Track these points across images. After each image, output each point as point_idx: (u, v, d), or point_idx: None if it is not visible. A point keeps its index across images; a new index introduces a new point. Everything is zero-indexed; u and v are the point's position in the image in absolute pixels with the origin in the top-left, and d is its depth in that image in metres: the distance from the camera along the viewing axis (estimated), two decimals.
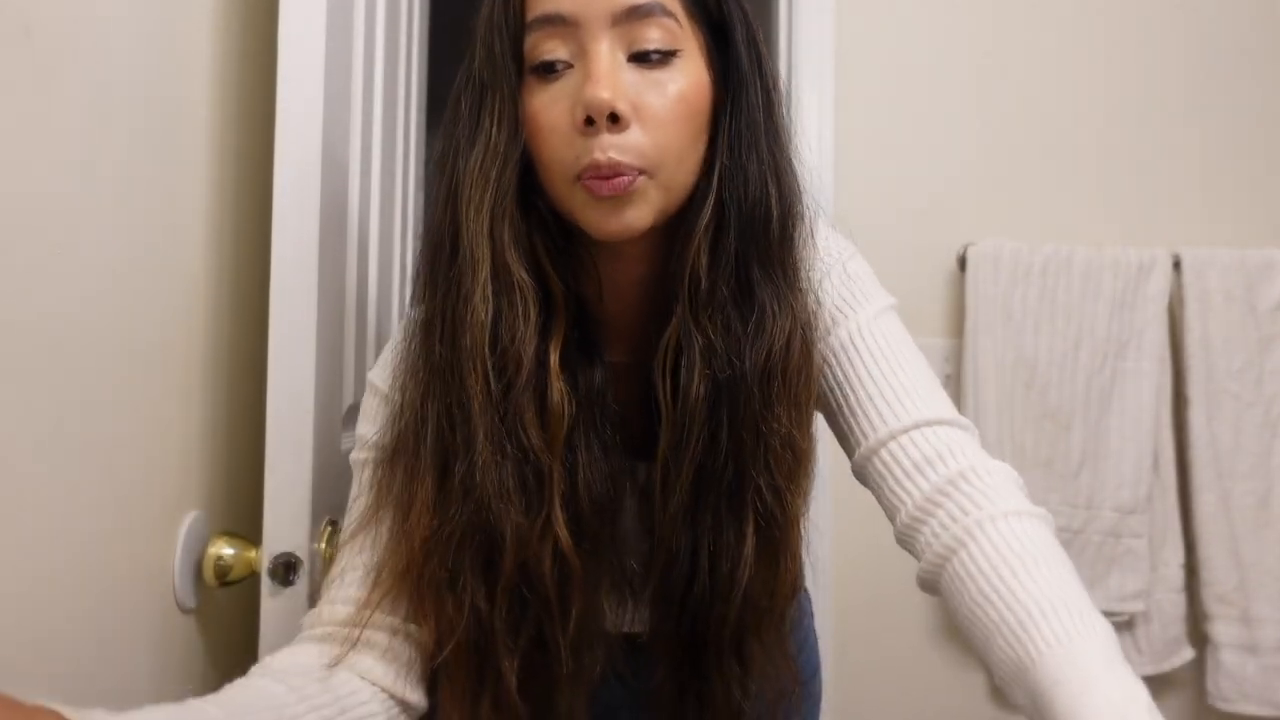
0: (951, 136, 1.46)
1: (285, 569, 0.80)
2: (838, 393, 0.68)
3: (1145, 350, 1.40)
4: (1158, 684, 1.44)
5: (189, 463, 0.82)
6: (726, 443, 0.64)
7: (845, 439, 0.69)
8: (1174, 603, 1.40)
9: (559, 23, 0.61)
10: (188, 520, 0.81)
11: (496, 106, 0.63)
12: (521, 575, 0.62)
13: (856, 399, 0.67)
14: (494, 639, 0.62)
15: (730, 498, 0.65)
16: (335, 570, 0.66)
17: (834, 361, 0.69)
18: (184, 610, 0.81)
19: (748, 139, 0.65)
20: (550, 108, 0.62)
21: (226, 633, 0.90)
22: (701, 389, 0.63)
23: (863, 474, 0.67)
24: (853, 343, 0.69)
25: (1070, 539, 1.38)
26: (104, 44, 0.66)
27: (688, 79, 0.63)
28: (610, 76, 0.59)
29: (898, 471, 0.64)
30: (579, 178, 0.61)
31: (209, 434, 0.85)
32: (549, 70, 0.62)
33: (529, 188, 0.64)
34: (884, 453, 0.65)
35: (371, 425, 0.69)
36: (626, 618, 0.72)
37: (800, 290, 0.67)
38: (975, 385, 1.39)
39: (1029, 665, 0.52)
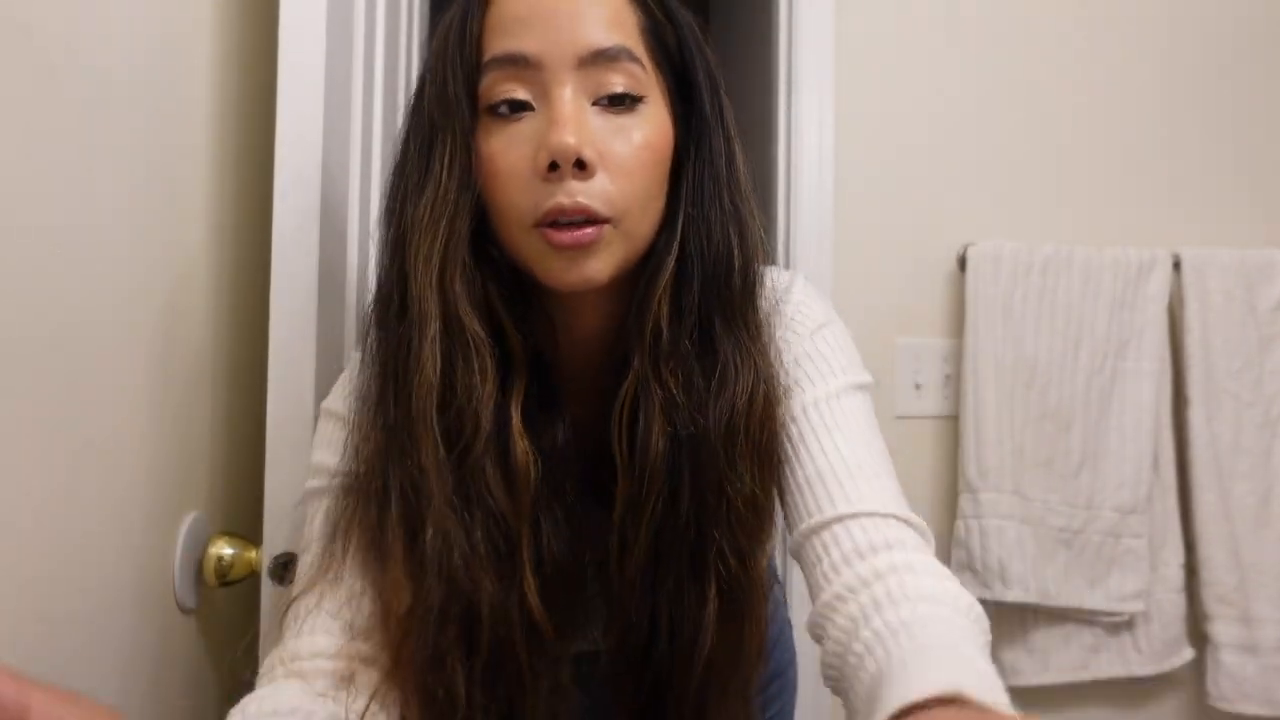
0: (951, 136, 1.46)
1: (285, 569, 0.80)
2: (784, 465, 0.64)
3: (1145, 350, 1.40)
4: (1158, 684, 1.44)
5: (189, 463, 0.82)
6: (688, 502, 0.61)
7: (786, 512, 0.64)
8: (1174, 603, 1.40)
9: (521, 64, 0.58)
10: (188, 520, 0.81)
11: (448, 149, 0.60)
12: (495, 648, 0.58)
13: (804, 474, 0.62)
14: (471, 715, 0.58)
15: (691, 560, 0.61)
16: (302, 608, 0.60)
17: (787, 431, 0.64)
18: (184, 610, 0.81)
19: (710, 189, 0.63)
20: (508, 151, 0.59)
21: (227, 632, 0.90)
22: (661, 444, 0.61)
23: (798, 553, 0.62)
24: (805, 415, 0.64)
25: (1070, 539, 1.38)
26: (104, 44, 0.66)
27: (652, 126, 0.61)
28: (576, 121, 0.57)
29: (834, 555, 0.58)
30: (538, 225, 0.58)
31: (209, 434, 0.85)
32: (509, 111, 0.59)
33: (481, 235, 0.61)
34: (825, 534, 0.59)
35: (332, 453, 0.64)
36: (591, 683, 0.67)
37: (762, 344, 0.64)
38: (975, 385, 1.39)
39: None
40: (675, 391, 0.61)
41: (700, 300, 0.62)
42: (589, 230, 0.58)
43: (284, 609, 0.61)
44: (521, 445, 0.60)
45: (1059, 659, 1.39)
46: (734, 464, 0.61)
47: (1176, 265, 1.43)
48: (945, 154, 1.46)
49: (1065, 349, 1.39)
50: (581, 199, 0.57)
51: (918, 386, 1.42)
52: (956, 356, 1.44)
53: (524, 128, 0.59)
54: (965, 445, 1.39)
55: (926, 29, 1.47)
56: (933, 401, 1.43)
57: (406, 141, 0.63)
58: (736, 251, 0.63)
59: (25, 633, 0.59)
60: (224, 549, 0.83)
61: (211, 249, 0.85)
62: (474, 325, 0.59)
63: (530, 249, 0.60)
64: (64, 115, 0.61)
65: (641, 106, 0.60)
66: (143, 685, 0.74)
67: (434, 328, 0.59)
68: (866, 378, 0.68)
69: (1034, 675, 1.39)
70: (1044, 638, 1.39)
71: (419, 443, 0.58)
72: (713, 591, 0.62)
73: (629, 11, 0.62)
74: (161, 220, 0.76)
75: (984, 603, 1.35)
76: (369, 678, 0.58)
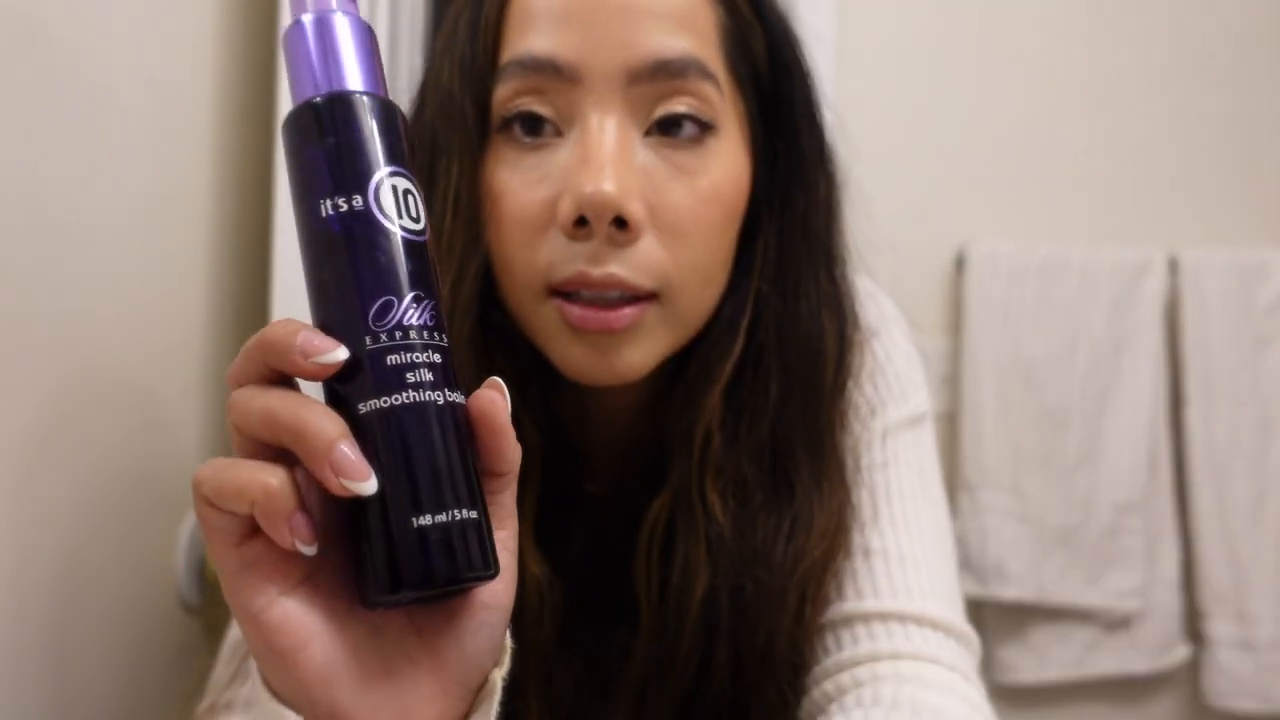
0: (949, 136, 1.47)
1: None
2: None
3: (1142, 350, 1.40)
4: (1154, 682, 1.44)
5: (190, 462, 0.82)
6: (724, 673, 0.46)
7: None
8: (1170, 600, 1.41)
9: (549, 72, 0.42)
10: (190, 519, 0.81)
11: (453, 178, 0.45)
12: None
13: (847, 543, 0.48)
14: None
15: None
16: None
17: None
18: (187, 609, 0.81)
19: (802, 258, 0.48)
20: (521, 190, 0.43)
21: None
22: (699, 591, 0.45)
23: (818, 634, 0.48)
24: (872, 455, 0.49)
25: (1067, 537, 1.39)
26: (106, 45, 0.66)
27: (725, 168, 0.45)
28: (619, 162, 0.41)
29: (845, 655, 0.45)
30: (553, 292, 0.44)
31: (210, 433, 0.86)
32: (524, 133, 0.44)
33: (485, 295, 0.46)
34: (844, 632, 0.46)
35: None
36: None
37: (844, 464, 0.48)
38: (973, 384, 1.40)
39: None
40: (725, 523, 0.45)
41: (774, 409, 0.46)
42: (625, 311, 0.42)
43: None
44: (535, 574, 0.46)
45: (1056, 656, 1.39)
46: (792, 629, 0.46)
47: (1173, 266, 1.44)
48: (943, 154, 1.47)
49: (1063, 348, 1.40)
50: (616, 269, 0.42)
51: None
52: (954, 356, 1.44)
53: (545, 158, 0.44)
54: (963, 444, 1.40)
55: (926, 30, 1.47)
56: (931, 400, 1.43)
57: None
58: (830, 344, 0.48)
59: (27, 632, 0.59)
60: None
61: (213, 249, 0.85)
62: None
63: (540, 322, 0.45)
64: (66, 115, 0.62)
65: (710, 140, 0.44)
66: (146, 683, 0.75)
67: None
68: (928, 401, 0.54)
69: (1031, 672, 1.39)
70: (1041, 635, 1.40)
71: None
72: None
73: (705, 7, 0.45)
74: (163, 220, 0.76)
75: (981, 601, 1.36)
76: None
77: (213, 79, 0.84)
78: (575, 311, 0.43)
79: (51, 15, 0.59)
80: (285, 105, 0.81)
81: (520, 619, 0.44)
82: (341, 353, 0.29)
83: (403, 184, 0.31)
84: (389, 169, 0.31)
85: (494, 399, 0.31)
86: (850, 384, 0.50)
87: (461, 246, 0.44)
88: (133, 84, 0.70)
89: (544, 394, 0.48)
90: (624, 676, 0.50)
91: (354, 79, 0.32)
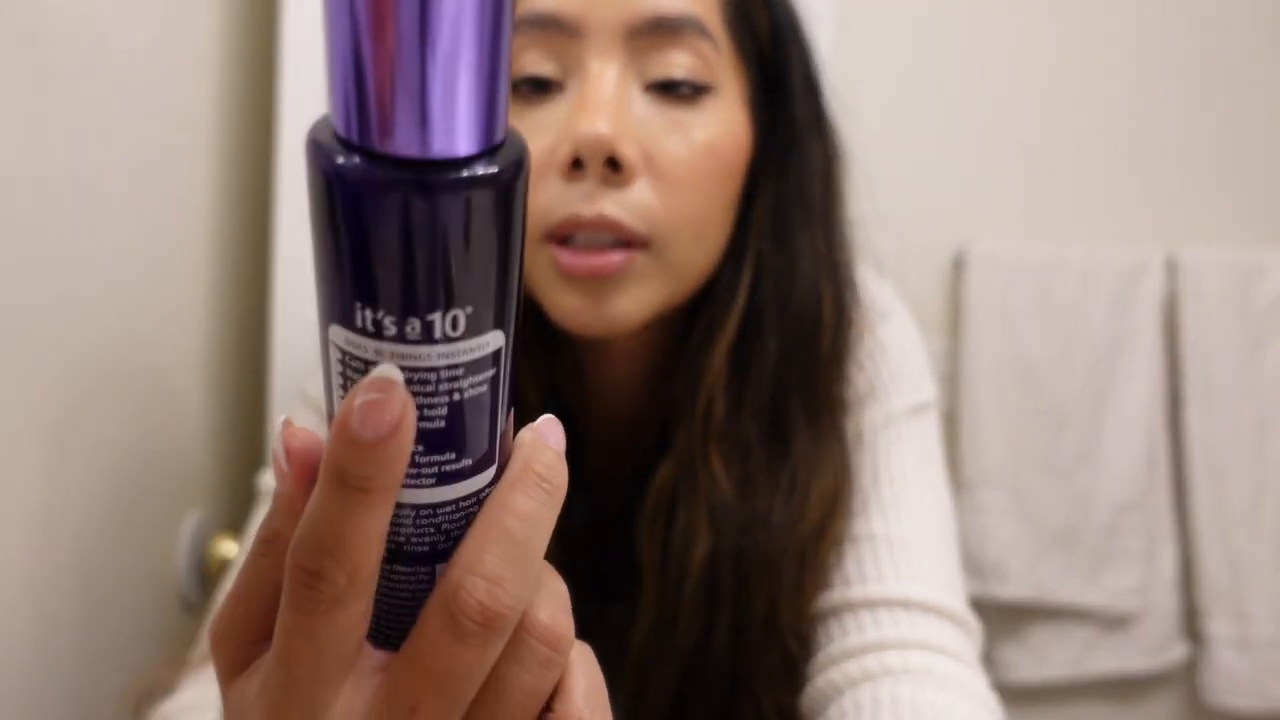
0: (949, 137, 1.47)
1: None
2: None
3: (1140, 350, 1.41)
4: (1152, 680, 1.45)
5: (190, 462, 0.82)
6: (724, 640, 0.46)
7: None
8: (1169, 599, 1.41)
9: (551, 27, 0.44)
10: (190, 519, 0.81)
11: None
12: None
13: (849, 529, 0.48)
14: None
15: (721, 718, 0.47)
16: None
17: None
18: (188, 606, 0.81)
19: (798, 221, 0.49)
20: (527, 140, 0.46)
21: None
22: (700, 556, 0.46)
23: (821, 619, 0.48)
24: (875, 440, 0.49)
25: (1066, 536, 1.39)
26: (106, 45, 0.66)
27: (722, 125, 0.46)
28: (614, 106, 0.43)
29: (850, 643, 0.46)
30: (547, 238, 0.45)
31: (211, 433, 0.86)
32: (530, 91, 0.46)
33: None
34: (848, 618, 0.46)
35: None
36: None
37: (842, 431, 0.49)
38: (972, 384, 1.40)
39: None
40: (727, 487, 0.46)
41: (775, 370, 0.47)
42: (615, 257, 0.43)
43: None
44: None
45: (1055, 655, 1.40)
46: (793, 596, 0.46)
47: (1172, 266, 1.44)
48: (942, 154, 1.47)
49: (1062, 348, 1.40)
50: (608, 208, 0.43)
51: None
52: (953, 356, 1.45)
53: (549, 113, 0.45)
54: (962, 444, 1.40)
55: (926, 30, 1.47)
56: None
57: None
58: (829, 309, 0.48)
59: (29, 631, 0.59)
60: (228, 546, 0.84)
61: (213, 248, 0.85)
62: None
63: (537, 273, 0.45)
64: (67, 115, 0.62)
65: (709, 99, 0.46)
66: None
67: None
68: (934, 390, 0.53)
69: (1030, 671, 1.40)
70: (1040, 634, 1.40)
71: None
72: None
73: None
74: (163, 219, 0.76)
75: (980, 599, 1.36)
76: None
77: (213, 78, 0.84)
78: (566, 256, 0.44)
79: (51, 15, 0.59)
80: (285, 105, 0.81)
81: None
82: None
83: None
84: None
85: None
86: (848, 357, 0.50)
87: None
88: (133, 84, 0.70)
89: (547, 354, 0.49)
90: (626, 648, 0.50)
91: None
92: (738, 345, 0.47)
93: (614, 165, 0.43)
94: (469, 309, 0.21)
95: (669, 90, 0.45)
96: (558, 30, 0.44)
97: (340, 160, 0.20)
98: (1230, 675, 1.38)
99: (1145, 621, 1.40)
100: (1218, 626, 1.38)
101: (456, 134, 0.20)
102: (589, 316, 0.44)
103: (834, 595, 0.47)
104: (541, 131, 0.45)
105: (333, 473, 0.20)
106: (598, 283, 0.44)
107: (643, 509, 0.49)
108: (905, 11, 1.47)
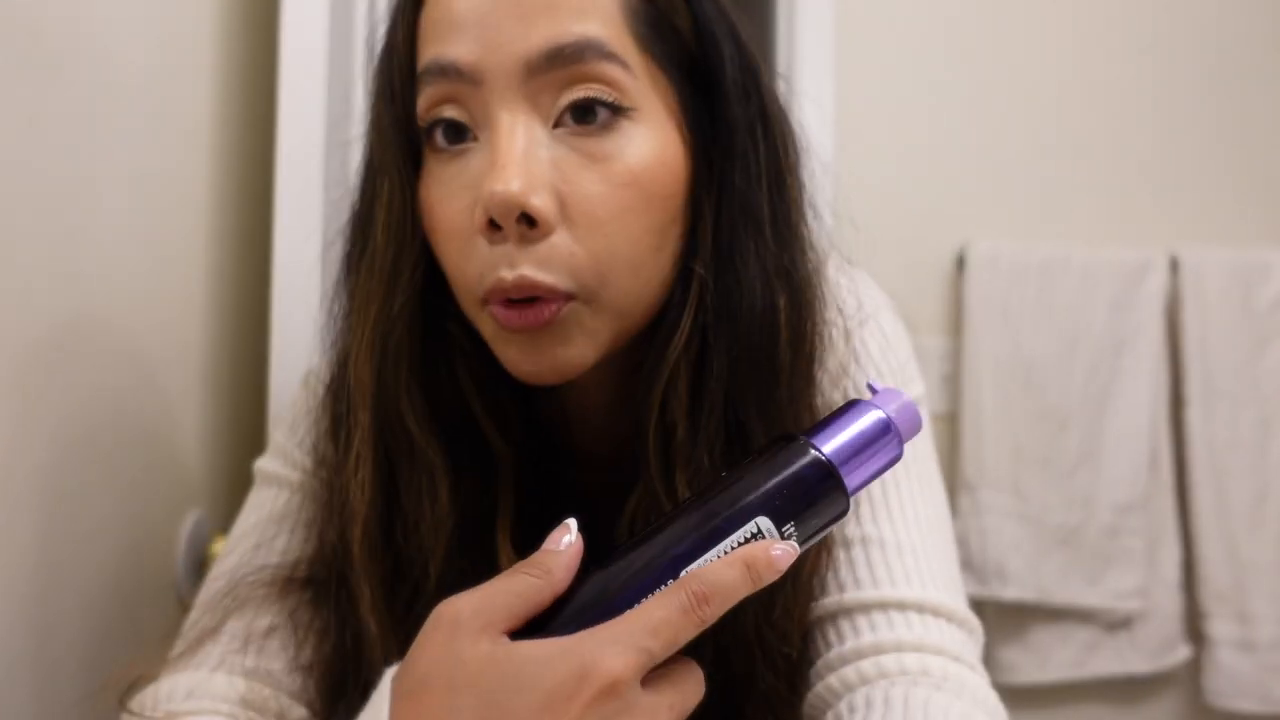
0: (950, 137, 1.47)
1: None
2: None
3: (1142, 350, 1.40)
4: (1154, 682, 1.44)
5: (190, 462, 0.82)
6: (709, 666, 0.41)
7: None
8: (1171, 601, 1.41)
9: (453, 76, 0.43)
10: (190, 519, 0.81)
11: (385, 194, 0.45)
12: None
13: (843, 533, 0.47)
14: None
15: None
16: (231, 619, 0.49)
17: None
18: (187, 606, 0.81)
19: (741, 230, 0.46)
20: (447, 200, 0.44)
21: None
22: None
23: (819, 625, 0.47)
24: None
25: (1068, 537, 1.39)
26: (107, 43, 0.66)
27: (643, 149, 0.43)
28: (521, 159, 0.41)
29: (848, 647, 0.45)
30: (485, 301, 0.44)
31: (210, 433, 0.86)
32: (445, 142, 0.44)
33: (442, 306, 0.46)
34: (844, 623, 0.46)
35: (280, 463, 0.54)
36: None
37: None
38: (973, 384, 1.40)
39: None
40: None
41: (728, 391, 0.45)
42: (544, 310, 0.42)
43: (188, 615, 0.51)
44: None
45: (1057, 657, 1.39)
46: (772, 622, 0.45)
47: (1174, 265, 1.44)
48: (944, 154, 1.47)
49: (1063, 348, 1.40)
50: (527, 270, 0.42)
51: None
52: (954, 356, 1.44)
53: (465, 165, 0.44)
54: (963, 444, 1.40)
55: (926, 30, 1.47)
56: (931, 400, 1.43)
57: (358, 191, 0.50)
58: (783, 315, 0.46)
59: (29, 631, 0.59)
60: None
61: (213, 249, 0.85)
62: (422, 434, 0.45)
63: (485, 330, 0.45)
64: (67, 114, 0.62)
65: (624, 123, 0.43)
66: None
67: (367, 442, 0.45)
68: (922, 385, 0.53)
69: (1032, 673, 1.39)
70: (1042, 636, 1.40)
71: (355, 594, 0.45)
72: None
73: None
74: (163, 219, 0.76)
75: (982, 601, 1.36)
76: None
77: (213, 78, 0.84)
78: (502, 314, 0.43)
79: (51, 15, 0.59)
80: (286, 105, 0.81)
81: None
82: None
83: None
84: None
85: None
86: (816, 365, 0.48)
87: (392, 260, 0.45)
88: (133, 84, 0.70)
89: (518, 399, 0.49)
90: None
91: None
92: (687, 368, 0.46)
93: (529, 221, 0.42)
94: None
95: (582, 120, 0.43)
96: (459, 78, 0.43)
97: None
98: (1232, 676, 1.37)
99: (1147, 623, 1.40)
100: (1220, 628, 1.38)
101: None
102: (536, 368, 0.44)
103: (830, 601, 0.47)
104: (462, 190, 0.44)
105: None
106: (537, 334, 0.43)
107: (618, 537, 0.48)
108: (906, 11, 1.47)
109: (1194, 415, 1.40)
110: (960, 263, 1.43)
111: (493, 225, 0.42)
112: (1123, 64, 1.50)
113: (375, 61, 0.48)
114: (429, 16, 0.45)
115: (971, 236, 1.44)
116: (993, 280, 1.40)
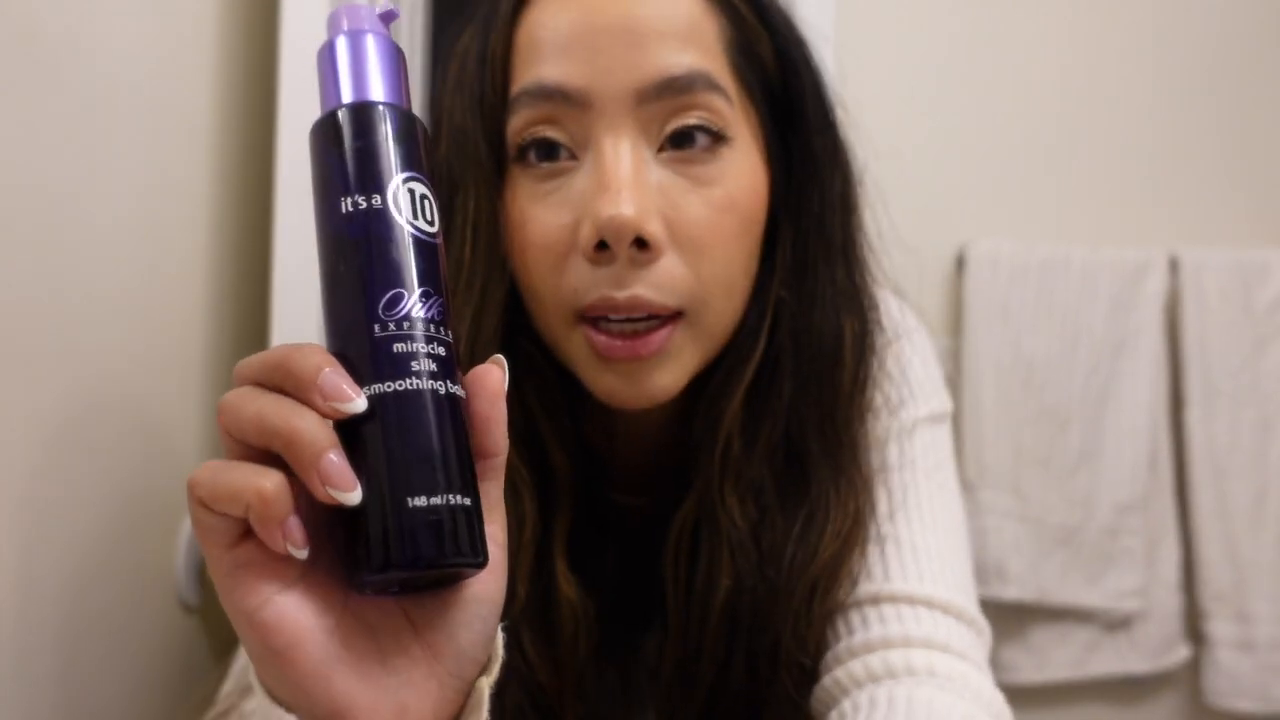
0: (950, 137, 1.47)
1: None
2: None
3: (1142, 350, 1.40)
4: (1154, 682, 1.44)
5: (189, 465, 0.82)
6: (740, 672, 0.46)
7: None
8: (1171, 601, 1.41)
9: (559, 99, 0.43)
10: (189, 522, 0.81)
11: (470, 210, 0.45)
12: None
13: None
14: None
15: None
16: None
17: None
18: (187, 609, 0.81)
19: (819, 259, 0.48)
20: (542, 218, 0.44)
21: (230, 630, 0.90)
22: (722, 592, 0.46)
23: (829, 620, 0.48)
24: (889, 453, 0.49)
25: (1068, 537, 1.39)
26: (106, 45, 0.66)
27: (741, 177, 0.45)
28: (635, 184, 0.42)
29: (857, 640, 0.46)
30: (582, 317, 0.44)
31: (210, 433, 0.86)
32: (539, 160, 0.45)
33: (514, 324, 0.46)
34: (853, 614, 0.46)
35: None
36: None
37: (863, 466, 0.48)
38: (973, 384, 1.40)
39: None
40: (743, 526, 0.46)
41: (791, 408, 0.46)
42: (654, 338, 0.43)
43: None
44: (569, 597, 0.46)
45: (1056, 657, 1.39)
46: (802, 632, 0.46)
47: (1174, 266, 1.44)
48: (944, 154, 1.47)
49: (1063, 349, 1.40)
50: (640, 290, 0.42)
51: None
52: (954, 356, 1.44)
53: (563, 185, 0.44)
54: (963, 444, 1.40)
55: (926, 29, 1.47)
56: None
57: None
58: (849, 345, 0.47)
59: (29, 631, 0.59)
60: None
61: (212, 249, 0.85)
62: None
63: (571, 348, 0.46)
64: (67, 116, 0.62)
65: (724, 150, 0.45)
66: (147, 683, 0.75)
67: None
68: (949, 403, 0.53)
69: (1031, 673, 1.40)
70: (1042, 635, 1.40)
71: None
72: None
73: (708, 20, 0.46)
74: (163, 221, 0.76)
75: (982, 601, 1.35)
76: None
77: (213, 79, 0.84)
78: (602, 340, 0.44)
79: (51, 15, 0.59)
80: (285, 104, 0.81)
81: (555, 641, 0.46)
82: (360, 403, 0.29)
83: (419, 189, 0.33)
84: (406, 174, 0.33)
85: (491, 369, 0.32)
86: (870, 386, 0.49)
87: (483, 278, 0.45)
88: (133, 83, 0.70)
89: (574, 420, 0.49)
90: (654, 678, 0.50)
91: (378, 91, 0.34)
92: (754, 387, 0.47)
93: (640, 244, 0.42)
94: None
95: (684, 149, 0.44)
96: (564, 102, 0.43)
97: None
98: (1232, 677, 1.37)
99: (1147, 623, 1.40)
100: (1220, 628, 1.38)
101: None
102: (631, 395, 0.45)
103: (841, 594, 0.48)
104: (560, 207, 0.44)
105: None
106: (639, 363, 0.44)
107: (668, 546, 0.49)
108: (905, 11, 1.47)
109: (1194, 415, 1.40)
110: (960, 263, 1.43)
111: (601, 246, 0.42)
112: (1123, 64, 1.50)
113: (458, 78, 0.47)
114: (528, 35, 0.45)
115: (971, 236, 1.44)
116: (993, 280, 1.40)
